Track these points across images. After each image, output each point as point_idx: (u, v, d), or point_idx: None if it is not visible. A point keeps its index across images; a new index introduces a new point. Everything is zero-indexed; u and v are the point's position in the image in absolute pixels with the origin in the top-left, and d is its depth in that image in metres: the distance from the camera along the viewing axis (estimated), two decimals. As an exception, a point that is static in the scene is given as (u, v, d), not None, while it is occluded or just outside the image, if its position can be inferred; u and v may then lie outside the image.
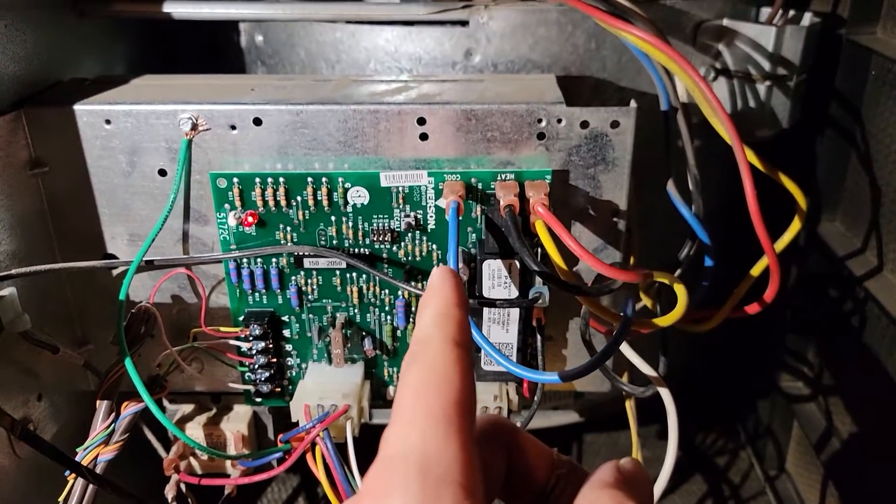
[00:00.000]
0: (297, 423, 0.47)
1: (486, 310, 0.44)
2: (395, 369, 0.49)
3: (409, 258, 0.45)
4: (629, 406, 0.53)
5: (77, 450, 0.42)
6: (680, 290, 0.41)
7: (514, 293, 0.43)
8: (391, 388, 0.50)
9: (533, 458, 0.25)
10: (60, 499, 0.41)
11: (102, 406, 0.43)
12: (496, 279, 0.43)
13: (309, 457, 0.45)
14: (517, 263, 0.43)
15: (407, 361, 0.24)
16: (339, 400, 0.45)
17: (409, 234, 0.45)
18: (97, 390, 0.43)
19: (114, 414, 0.43)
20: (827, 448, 0.60)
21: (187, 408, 0.52)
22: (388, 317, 0.47)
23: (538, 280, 0.44)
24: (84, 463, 0.41)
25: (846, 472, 0.58)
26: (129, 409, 0.44)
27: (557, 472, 0.25)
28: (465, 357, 0.23)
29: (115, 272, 0.47)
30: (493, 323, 0.44)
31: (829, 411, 0.61)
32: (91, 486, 0.42)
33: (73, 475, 0.41)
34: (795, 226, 0.46)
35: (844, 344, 0.58)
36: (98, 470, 0.41)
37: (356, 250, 0.45)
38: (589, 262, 0.38)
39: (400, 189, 0.43)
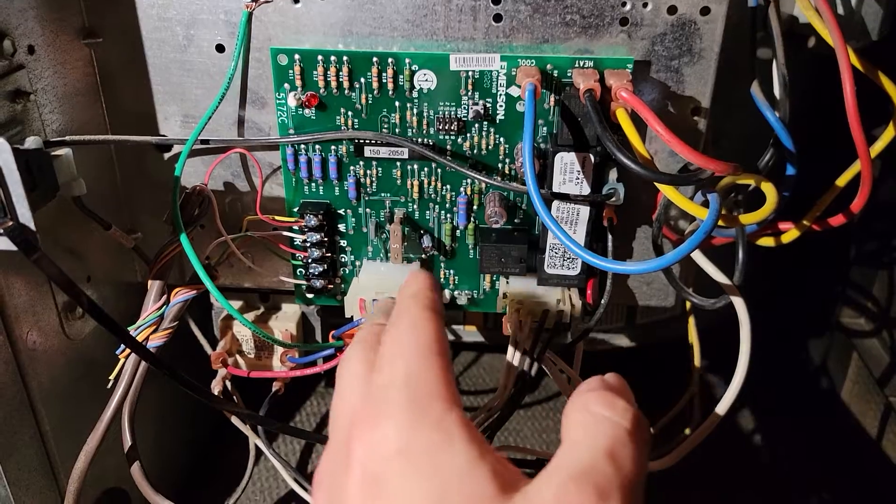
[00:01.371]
0: (348, 321, 0.45)
1: (553, 208, 0.42)
2: (451, 271, 0.47)
3: (475, 151, 0.43)
4: (691, 323, 0.51)
5: (128, 329, 0.40)
6: (768, 189, 0.39)
7: (586, 190, 0.41)
8: (446, 292, 0.48)
9: None
10: (111, 377, 0.40)
11: (154, 287, 0.41)
12: (568, 174, 0.41)
13: (363, 352, 0.43)
14: (591, 157, 0.40)
15: (387, 328, 0.28)
16: (395, 295, 0.43)
17: (476, 125, 0.42)
18: (149, 270, 0.41)
19: (164, 298, 0.42)
20: (890, 384, 0.58)
21: (235, 305, 0.51)
22: (448, 215, 0.45)
23: (612, 176, 0.41)
24: (135, 343, 0.40)
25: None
26: (179, 297, 0.43)
27: None
28: (437, 318, 0.28)
29: (166, 156, 0.45)
30: (560, 222, 0.42)
31: (894, 347, 0.59)
32: (140, 368, 0.41)
33: (124, 355, 0.40)
34: (890, 132, 0.43)
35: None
36: (148, 353, 0.40)
37: (419, 140, 0.43)
38: (678, 147, 0.35)
39: (470, 74, 0.41)
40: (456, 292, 0.48)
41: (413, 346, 0.26)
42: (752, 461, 0.65)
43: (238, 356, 0.51)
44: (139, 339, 0.40)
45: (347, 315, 0.45)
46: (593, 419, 0.24)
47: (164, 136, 0.45)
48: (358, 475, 0.22)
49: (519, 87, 0.41)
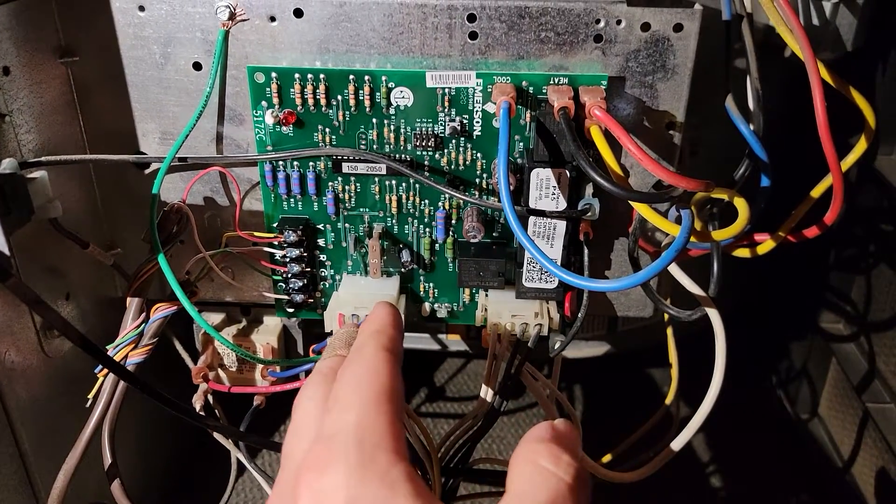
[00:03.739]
0: (328, 335, 0.45)
1: (530, 223, 0.42)
2: (431, 284, 0.47)
3: (452, 167, 0.43)
4: (669, 333, 0.51)
5: (107, 347, 0.40)
6: (741, 204, 0.39)
7: (563, 205, 0.41)
8: (426, 305, 0.48)
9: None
10: (90, 395, 0.40)
11: (133, 304, 0.41)
12: (544, 189, 0.41)
13: (342, 367, 0.43)
14: (567, 173, 0.41)
15: (344, 365, 0.28)
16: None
17: (454, 141, 0.43)
18: (128, 287, 0.41)
19: (143, 315, 0.42)
20: (868, 391, 0.59)
21: (216, 318, 0.51)
22: (427, 229, 0.45)
23: (588, 191, 0.42)
24: (114, 362, 0.40)
25: (888, 415, 0.57)
26: (158, 313, 0.43)
27: None
28: (394, 360, 0.28)
29: (146, 172, 0.46)
30: (537, 237, 0.42)
31: (871, 353, 0.59)
32: (120, 385, 0.41)
33: (103, 373, 0.40)
34: (862, 145, 0.43)
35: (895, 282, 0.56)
36: (128, 370, 0.40)
37: (397, 156, 0.43)
38: (649, 166, 0.35)
39: (446, 91, 0.41)
40: (436, 305, 0.48)
41: (365, 392, 0.26)
42: (731, 469, 0.65)
43: (220, 370, 0.51)
44: (118, 357, 0.41)
45: (328, 329, 0.45)
46: (538, 472, 0.25)
47: (142, 153, 0.45)
48: None
49: (495, 104, 0.41)
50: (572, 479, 0.25)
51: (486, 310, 0.45)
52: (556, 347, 0.45)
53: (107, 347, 0.40)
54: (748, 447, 0.67)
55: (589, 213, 0.41)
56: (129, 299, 0.42)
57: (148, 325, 0.43)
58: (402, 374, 0.28)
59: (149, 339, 0.43)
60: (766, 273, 0.70)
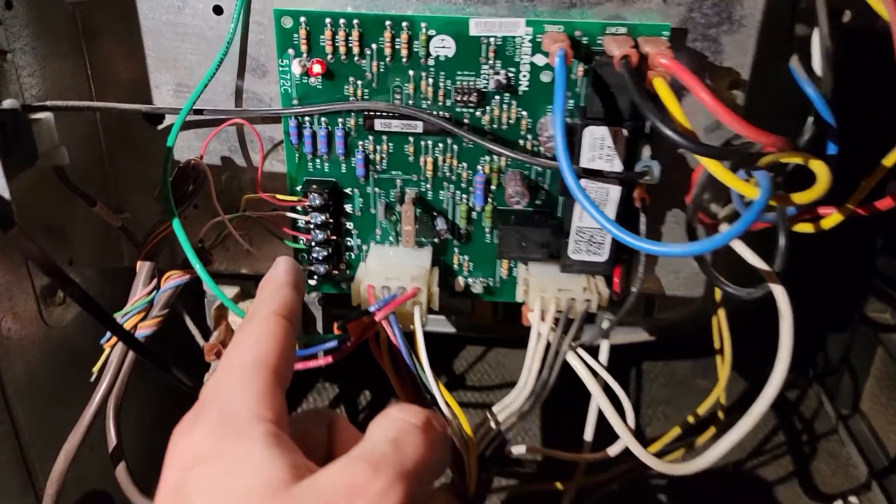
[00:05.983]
0: (353, 310, 0.42)
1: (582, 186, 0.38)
2: (465, 257, 0.44)
3: (495, 125, 0.40)
4: (721, 315, 0.48)
5: (115, 316, 0.37)
6: (819, 167, 0.36)
7: (618, 167, 0.38)
8: (460, 279, 0.44)
9: (350, 434, 0.31)
10: (95, 369, 0.36)
11: (144, 269, 0.38)
12: (598, 150, 0.37)
13: (372, 344, 0.40)
14: (623, 132, 0.37)
15: (237, 329, 0.29)
16: (407, 282, 0.40)
17: (497, 97, 0.39)
18: (138, 250, 0.38)
19: (154, 282, 0.38)
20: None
21: (231, 291, 0.47)
22: (464, 195, 0.42)
23: (645, 154, 0.38)
24: (122, 332, 0.36)
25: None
26: (170, 282, 0.40)
27: None
28: (283, 326, 0.28)
29: (158, 127, 0.42)
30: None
31: (924, 342, 0.56)
32: (128, 359, 0.37)
33: (109, 344, 0.37)
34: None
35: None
36: (137, 343, 0.37)
37: (434, 113, 0.39)
38: (726, 118, 0.32)
39: (491, 40, 0.37)
40: (470, 280, 0.44)
41: (241, 357, 0.27)
42: (765, 467, 0.62)
43: (233, 348, 0.47)
44: (126, 326, 0.37)
45: (354, 303, 0.41)
46: (387, 420, 0.27)
47: (154, 105, 0.41)
48: (167, 482, 0.24)
49: (545, 54, 0.37)
50: (420, 421, 0.26)
51: (527, 284, 0.42)
52: (604, 327, 0.42)
53: (114, 315, 0.37)
54: (784, 444, 0.64)
55: (647, 177, 0.38)
56: (139, 264, 0.38)
57: (159, 295, 0.39)
58: (292, 336, 0.28)
59: (159, 311, 0.39)
60: (807, 258, 0.66)
